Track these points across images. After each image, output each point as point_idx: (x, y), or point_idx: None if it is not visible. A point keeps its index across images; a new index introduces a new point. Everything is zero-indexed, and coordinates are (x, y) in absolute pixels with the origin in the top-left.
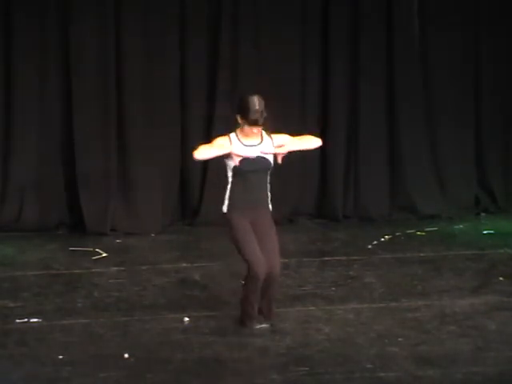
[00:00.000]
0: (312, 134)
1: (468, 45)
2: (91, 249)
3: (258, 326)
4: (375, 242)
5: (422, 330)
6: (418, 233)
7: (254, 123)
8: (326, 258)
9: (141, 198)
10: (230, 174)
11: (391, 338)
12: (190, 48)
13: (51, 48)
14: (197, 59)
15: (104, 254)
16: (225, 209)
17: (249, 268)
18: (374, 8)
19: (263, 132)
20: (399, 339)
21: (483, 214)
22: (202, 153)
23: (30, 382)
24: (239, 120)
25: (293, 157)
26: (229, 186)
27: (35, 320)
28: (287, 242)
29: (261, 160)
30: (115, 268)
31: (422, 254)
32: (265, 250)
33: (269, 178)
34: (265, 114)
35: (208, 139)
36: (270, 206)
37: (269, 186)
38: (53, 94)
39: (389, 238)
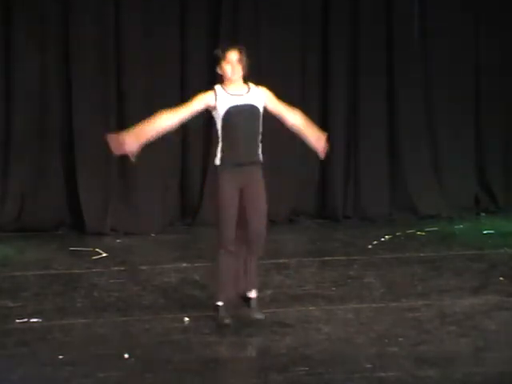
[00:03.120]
0: None
1: (468, 45)
2: (91, 249)
3: (227, 321)
4: (375, 242)
5: (422, 330)
6: (418, 233)
7: (231, 48)
8: (326, 258)
9: (141, 198)
10: (219, 125)
11: (391, 338)
12: (190, 48)
13: (51, 48)
14: (197, 59)
15: (104, 254)
16: (217, 161)
17: (218, 240)
18: (374, 7)
19: (250, 84)
20: (399, 339)
21: (483, 214)
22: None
23: (29, 382)
24: (219, 70)
25: (293, 157)
26: (220, 139)
27: (35, 320)
28: (287, 242)
29: (249, 107)
30: (115, 268)
31: (422, 254)
32: (251, 217)
33: (260, 127)
34: (241, 51)
35: (208, 139)
36: (261, 157)
37: (260, 136)
38: (53, 93)
39: (389, 238)
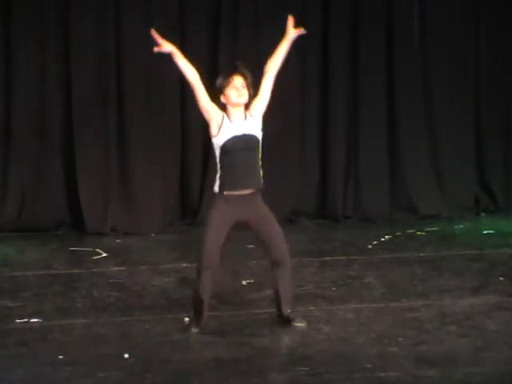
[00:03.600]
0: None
1: (468, 45)
2: (91, 249)
3: (195, 330)
4: (375, 242)
5: (422, 330)
6: (418, 233)
7: (231, 76)
8: (326, 258)
9: (141, 198)
10: (217, 153)
11: (391, 338)
12: (190, 48)
13: (51, 48)
14: (197, 59)
15: (104, 254)
16: (216, 188)
17: (199, 260)
18: (373, 8)
19: (246, 112)
20: (399, 339)
21: (483, 214)
22: (186, 67)
23: (29, 382)
24: (222, 98)
25: (293, 157)
26: (218, 167)
27: (35, 320)
28: (287, 242)
29: (248, 137)
30: (115, 268)
31: (422, 254)
32: (270, 237)
33: (260, 155)
34: (245, 75)
35: (208, 139)
36: (262, 182)
37: (260, 162)
38: (53, 94)
39: (389, 238)
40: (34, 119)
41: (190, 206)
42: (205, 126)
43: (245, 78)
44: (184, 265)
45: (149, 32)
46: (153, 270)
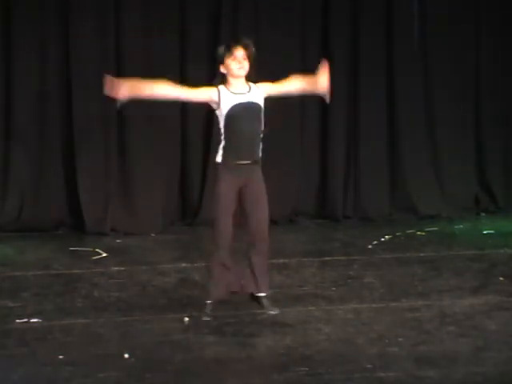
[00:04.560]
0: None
1: (468, 45)
2: (91, 249)
3: (206, 318)
4: (375, 242)
5: (422, 330)
6: (418, 233)
7: (234, 46)
8: (326, 258)
9: (141, 198)
10: (222, 124)
11: (391, 338)
12: (190, 48)
13: (51, 48)
14: (197, 59)
15: (104, 254)
16: (218, 158)
17: (213, 236)
18: (374, 8)
19: (250, 83)
20: (399, 339)
21: (483, 214)
22: (157, 93)
23: (29, 382)
24: (222, 68)
25: (293, 156)
26: (222, 137)
27: (35, 320)
28: (287, 242)
29: (251, 105)
30: (115, 268)
31: (422, 254)
32: (253, 216)
33: (262, 126)
34: (247, 46)
35: (208, 140)
36: (260, 156)
37: (261, 135)
38: (53, 94)
39: (389, 238)
40: (34, 119)
41: (190, 206)
42: (205, 125)
43: (246, 49)
44: (184, 265)
45: (149, 32)
46: (153, 270)
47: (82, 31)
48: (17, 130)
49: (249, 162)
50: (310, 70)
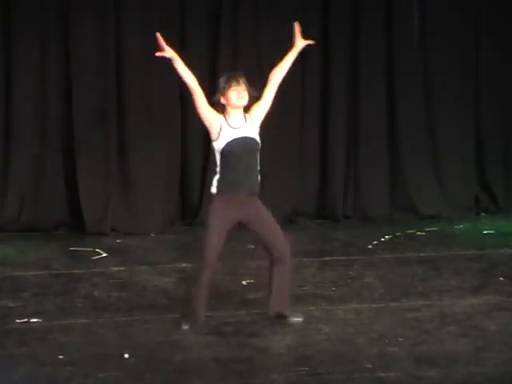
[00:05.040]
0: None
1: (468, 44)
2: (91, 249)
3: (185, 327)
4: (375, 242)
5: (422, 330)
6: (418, 233)
7: (234, 79)
8: (326, 258)
9: (141, 198)
10: (218, 156)
11: (391, 338)
12: (190, 48)
13: (51, 48)
14: (197, 59)
15: (104, 254)
16: (213, 190)
17: (200, 259)
18: (374, 7)
19: (246, 114)
20: (399, 339)
21: (483, 214)
22: (186, 73)
23: (30, 382)
24: (222, 100)
25: (293, 157)
26: (218, 169)
27: (35, 320)
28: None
29: (248, 140)
30: (115, 268)
31: (422, 254)
32: (270, 236)
33: (258, 159)
34: (245, 81)
35: (208, 139)
36: (258, 185)
37: (258, 167)
38: (53, 94)
39: (389, 238)
40: (34, 119)
41: (190, 206)
42: (205, 126)
43: (245, 80)
44: (184, 265)
45: (148, 32)
46: (153, 270)
47: (82, 31)
48: (17, 129)
49: (246, 195)
50: (310, 73)
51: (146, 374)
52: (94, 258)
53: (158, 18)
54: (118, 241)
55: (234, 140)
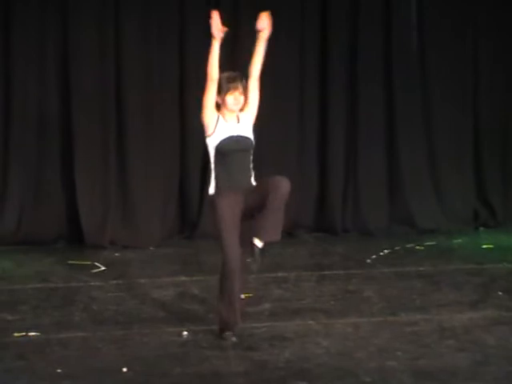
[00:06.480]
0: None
1: (466, 51)
2: (90, 262)
3: (234, 339)
4: (374, 256)
5: (420, 344)
6: (417, 247)
7: (233, 83)
8: (325, 272)
9: (139, 211)
10: (212, 153)
11: (390, 352)
12: (189, 48)
13: (50, 52)
14: (197, 59)
15: (102, 268)
16: (211, 190)
17: (224, 261)
18: (372, 9)
19: (240, 113)
20: (398, 353)
21: (482, 229)
22: (215, 62)
23: None
24: (219, 99)
25: (291, 170)
26: (213, 167)
27: (33, 333)
28: (286, 256)
29: (243, 138)
30: (114, 281)
31: (420, 268)
32: (264, 188)
33: (251, 157)
34: (243, 83)
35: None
36: (253, 183)
37: (252, 165)
38: (52, 103)
39: (388, 252)
40: (33, 130)
41: (189, 220)
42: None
43: (243, 84)
44: (183, 278)
45: (148, 32)
46: (151, 283)
47: (81, 33)
48: (15, 141)
49: (242, 188)
50: (308, 79)
51: None
52: (93, 271)
53: (157, 18)
54: (116, 254)
55: (228, 138)
